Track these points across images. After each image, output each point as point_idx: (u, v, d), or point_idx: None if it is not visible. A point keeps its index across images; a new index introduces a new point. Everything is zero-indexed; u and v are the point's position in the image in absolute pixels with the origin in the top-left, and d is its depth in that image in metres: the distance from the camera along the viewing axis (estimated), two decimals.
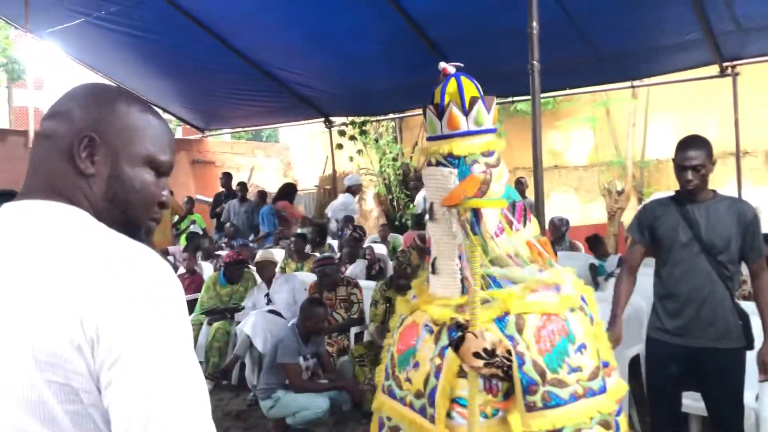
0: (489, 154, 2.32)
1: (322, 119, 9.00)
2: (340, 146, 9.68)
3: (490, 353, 2.00)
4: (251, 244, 7.81)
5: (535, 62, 3.22)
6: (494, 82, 7.02)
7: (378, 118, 9.98)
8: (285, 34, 6.55)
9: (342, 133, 9.55)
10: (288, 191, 9.30)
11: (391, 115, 9.85)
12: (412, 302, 2.39)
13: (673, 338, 2.98)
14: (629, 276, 3.17)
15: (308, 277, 5.63)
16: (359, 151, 10.34)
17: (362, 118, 9.55)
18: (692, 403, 4.14)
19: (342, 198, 9.10)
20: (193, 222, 8.45)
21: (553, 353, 2.08)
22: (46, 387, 0.85)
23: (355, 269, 6.19)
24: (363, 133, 10.04)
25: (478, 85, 2.31)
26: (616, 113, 10.06)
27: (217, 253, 7.43)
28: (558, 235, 6.82)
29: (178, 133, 16.43)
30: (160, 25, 6.75)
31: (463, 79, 2.33)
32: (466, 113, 2.28)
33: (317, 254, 6.30)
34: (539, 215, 3.76)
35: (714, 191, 2.99)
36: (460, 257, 2.29)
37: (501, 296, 2.19)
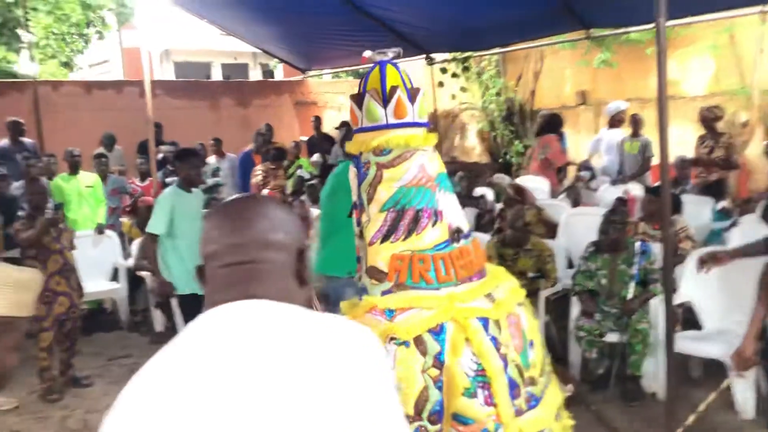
0: (382, 152, 2.16)
1: (423, 56, 8.82)
2: (441, 84, 9.49)
3: None
4: None
5: (661, 19, 2.93)
6: (606, 12, 6.69)
7: (481, 53, 9.68)
8: None
9: (444, 71, 9.35)
10: (553, 123, 7.98)
11: (495, 50, 9.50)
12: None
13: None
14: None
15: None
16: (462, 89, 10.11)
17: (464, 54, 9.29)
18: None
19: (607, 135, 7.77)
20: (300, 167, 8.60)
21: None
22: None
23: None
24: (465, 69, 9.78)
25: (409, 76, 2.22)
26: (741, 39, 9.24)
27: None
28: (682, 175, 6.50)
29: (279, 72, 16.61)
30: None
31: (401, 69, 2.23)
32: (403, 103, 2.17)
33: None
34: (664, 156, 3.53)
35: None
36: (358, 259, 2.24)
37: (343, 309, 2.13)
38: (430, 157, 2.24)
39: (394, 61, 2.29)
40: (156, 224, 4.57)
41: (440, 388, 1.96)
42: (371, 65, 2.28)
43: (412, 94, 2.19)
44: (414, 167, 2.15)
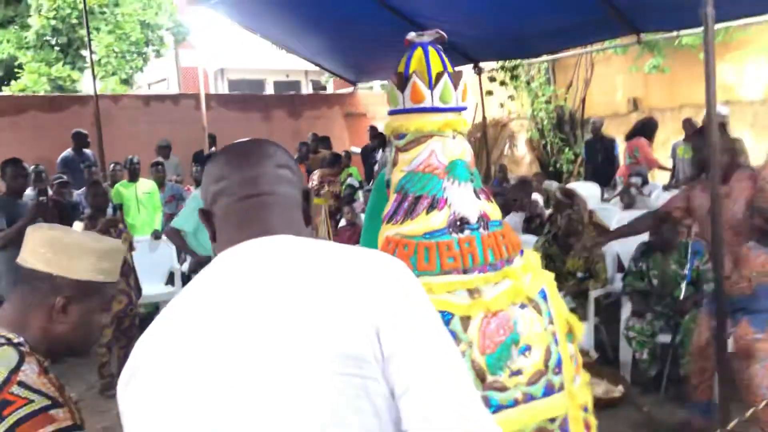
0: (399, 136, 2.17)
1: (471, 65, 8.84)
2: (490, 93, 9.50)
3: None
4: None
5: (708, 9, 2.87)
6: (657, 15, 6.61)
7: (530, 60, 9.66)
8: None
9: (492, 79, 9.35)
10: (647, 127, 7.84)
11: (544, 57, 9.47)
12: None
13: None
14: None
15: None
16: (510, 97, 10.09)
17: (513, 62, 9.29)
18: None
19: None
20: (350, 175, 8.72)
21: None
22: (341, 384, 0.96)
23: (510, 222, 6.05)
24: (514, 77, 9.77)
25: (444, 59, 2.15)
26: None
27: None
28: None
29: (330, 87, 16.88)
30: None
31: (431, 50, 2.17)
32: (431, 87, 2.11)
33: None
34: (713, 160, 3.48)
35: None
36: None
37: None
38: (448, 144, 2.16)
39: (428, 42, 2.24)
40: (182, 221, 4.73)
41: None
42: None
43: (435, 78, 2.14)
44: (424, 153, 2.13)
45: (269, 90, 21.26)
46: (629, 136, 7.93)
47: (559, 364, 2.11)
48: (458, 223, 2.10)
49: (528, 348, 2.05)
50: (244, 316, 1.00)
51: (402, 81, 2.16)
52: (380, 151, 9.32)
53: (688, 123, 7.56)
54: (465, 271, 2.07)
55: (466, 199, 2.14)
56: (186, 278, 6.58)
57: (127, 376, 1.05)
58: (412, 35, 2.24)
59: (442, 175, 2.13)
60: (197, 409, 0.97)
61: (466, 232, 2.10)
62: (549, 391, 2.07)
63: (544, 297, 2.18)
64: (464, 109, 2.27)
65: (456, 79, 2.21)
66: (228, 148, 1.21)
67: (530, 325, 2.07)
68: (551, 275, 2.32)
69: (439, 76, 2.14)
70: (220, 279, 1.06)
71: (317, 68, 10.78)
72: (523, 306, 2.09)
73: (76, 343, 1.50)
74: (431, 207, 2.10)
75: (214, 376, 0.97)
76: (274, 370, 0.96)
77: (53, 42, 14.51)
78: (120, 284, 4.99)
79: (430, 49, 2.21)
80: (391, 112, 2.24)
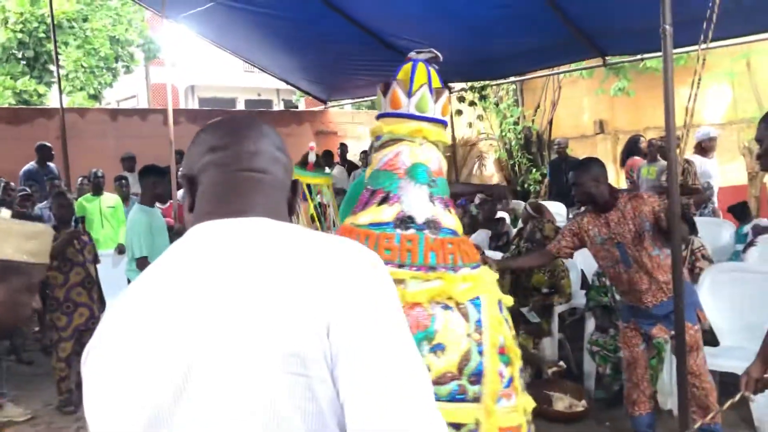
0: (377, 138, 2.37)
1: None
2: (459, 112, 9.60)
3: None
4: None
5: (667, 26, 2.99)
6: (622, 39, 6.77)
7: (498, 81, 9.80)
8: (405, 2, 6.56)
9: (461, 99, 9.46)
10: (636, 145, 7.80)
11: (512, 78, 9.63)
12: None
13: None
14: None
15: None
16: (479, 117, 10.22)
17: (482, 83, 9.42)
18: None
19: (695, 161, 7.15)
20: (319, 192, 8.71)
21: None
22: (289, 383, 0.92)
23: (476, 239, 6.13)
24: (483, 98, 9.91)
25: (431, 74, 2.32)
26: (758, 66, 9.28)
27: None
28: (700, 199, 6.48)
29: (302, 105, 16.90)
30: (283, 2, 6.96)
31: (420, 65, 2.35)
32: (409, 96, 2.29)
33: None
34: (671, 182, 3.57)
35: None
36: None
37: None
38: (415, 149, 2.29)
39: (422, 59, 2.42)
40: (141, 246, 4.59)
41: None
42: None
43: (414, 89, 2.29)
44: (390, 154, 2.28)
45: (240, 108, 21.22)
46: (623, 159, 8.08)
47: (478, 374, 2.11)
48: (404, 220, 2.21)
49: (442, 348, 2.07)
50: (202, 301, 0.96)
51: (386, 88, 2.34)
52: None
53: (651, 145, 7.70)
54: (401, 266, 2.14)
55: (418, 200, 2.25)
56: None
57: (91, 345, 1.01)
58: (412, 53, 2.43)
59: (401, 174, 2.27)
60: (145, 391, 0.94)
61: (411, 231, 2.21)
62: (458, 396, 2.07)
63: (478, 307, 2.19)
64: (442, 122, 2.42)
65: (437, 93, 2.36)
66: (227, 120, 1.16)
67: (450, 327, 2.09)
68: (508, 297, 2.34)
69: (420, 87, 2.30)
70: (186, 258, 1.02)
71: (289, 87, 10.81)
72: (447, 307, 2.12)
73: (2, 323, 1.53)
74: (383, 201, 2.24)
75: (163, 362, 0.94)
76: (221, 364, 0.93)
77: (19, 55, 14.32)
78: (81, 297, 4.91)
79: (420, 64, 2.38)
80: (377, 117, 2.41)
